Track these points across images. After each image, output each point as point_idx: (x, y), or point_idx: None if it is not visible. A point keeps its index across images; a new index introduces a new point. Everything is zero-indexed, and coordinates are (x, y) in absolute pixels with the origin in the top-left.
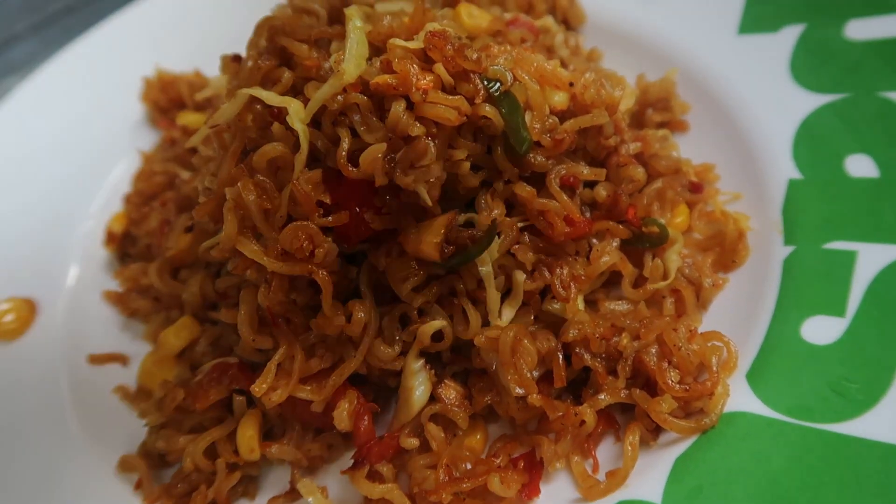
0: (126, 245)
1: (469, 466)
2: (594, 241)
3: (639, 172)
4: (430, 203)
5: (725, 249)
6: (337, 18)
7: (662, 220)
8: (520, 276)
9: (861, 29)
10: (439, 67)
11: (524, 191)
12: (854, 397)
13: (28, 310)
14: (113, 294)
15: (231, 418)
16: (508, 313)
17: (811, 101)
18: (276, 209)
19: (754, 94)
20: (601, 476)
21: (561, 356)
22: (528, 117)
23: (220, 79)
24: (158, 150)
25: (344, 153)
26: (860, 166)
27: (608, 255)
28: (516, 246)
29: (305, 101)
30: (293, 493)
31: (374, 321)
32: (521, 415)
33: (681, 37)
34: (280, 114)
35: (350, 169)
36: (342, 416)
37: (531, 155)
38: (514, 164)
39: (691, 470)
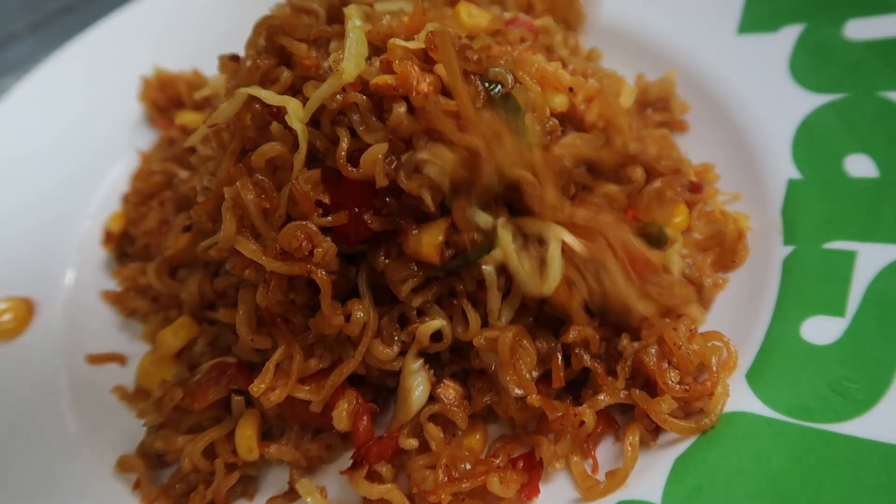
0: (124, 245)
1: (468, 467)
2: None
3: (638, 172)
4: (432, 209)
5: (725, 249)
6: (336, 17)
7: (662, 225)
8: None
9: (861, 29)
10: (440, 68)
11: None
12: (854, 397)
13: (26, 309)
14: (111, 294)
15: (229, 418)
16: (508, 314)
17: (811, 101)
18: (274, 209)
19: (754, 93)
20: (601, 476)
21: (560, 356)
22: (528, 119)
23: (218, 78)
24: (157, 150)
25: (343, 153)
26: (860, 166)
27: None
28: None
29: (304, 101)
30: (292, 493)
31: (372, 321)
32: (521, 415)
33: (680, 36)
34: (279, 113)
35: (350, 169)
36: (341, 416)
37: None
38: None
39: (691, 470)
